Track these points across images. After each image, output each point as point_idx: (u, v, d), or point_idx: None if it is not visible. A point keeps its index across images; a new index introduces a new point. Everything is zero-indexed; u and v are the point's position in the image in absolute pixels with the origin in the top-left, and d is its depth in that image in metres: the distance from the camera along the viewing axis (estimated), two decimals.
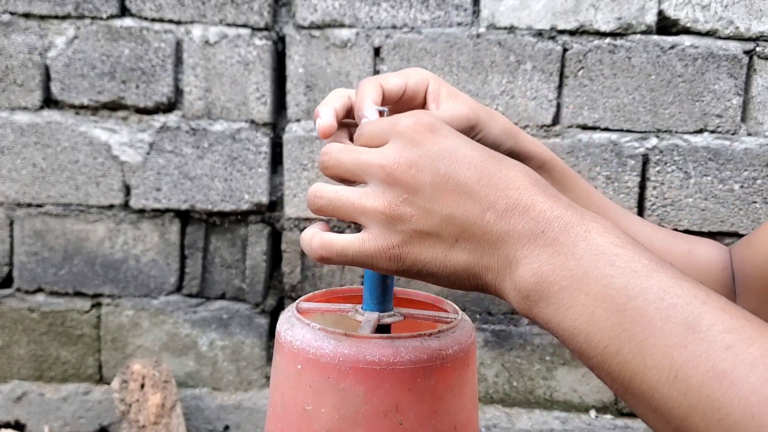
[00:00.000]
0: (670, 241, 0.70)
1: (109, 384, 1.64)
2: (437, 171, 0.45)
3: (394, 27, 1.53)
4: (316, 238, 0.49)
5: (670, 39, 1.51)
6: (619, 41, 1.51)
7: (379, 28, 1.53)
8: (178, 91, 1.58)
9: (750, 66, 1.52)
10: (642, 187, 1.56)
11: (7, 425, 1.63)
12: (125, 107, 1.58)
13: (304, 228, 1.60)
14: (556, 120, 1.55)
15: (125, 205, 1.60)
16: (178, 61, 1.56)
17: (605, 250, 0.41)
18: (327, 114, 0.56)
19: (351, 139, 0.59)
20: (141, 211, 1.60)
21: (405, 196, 0.45)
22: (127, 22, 1.55)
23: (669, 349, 0.37)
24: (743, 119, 1.54)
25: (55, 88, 1.57)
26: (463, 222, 0.45)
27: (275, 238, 1.65)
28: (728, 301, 0.39)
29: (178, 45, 1.56)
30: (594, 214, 0.45)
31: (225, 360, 1.65)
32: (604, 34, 1.52)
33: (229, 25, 1.54)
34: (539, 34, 1.52)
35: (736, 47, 1.50)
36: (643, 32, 1.51)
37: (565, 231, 0.43)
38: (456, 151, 0.45)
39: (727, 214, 1.54)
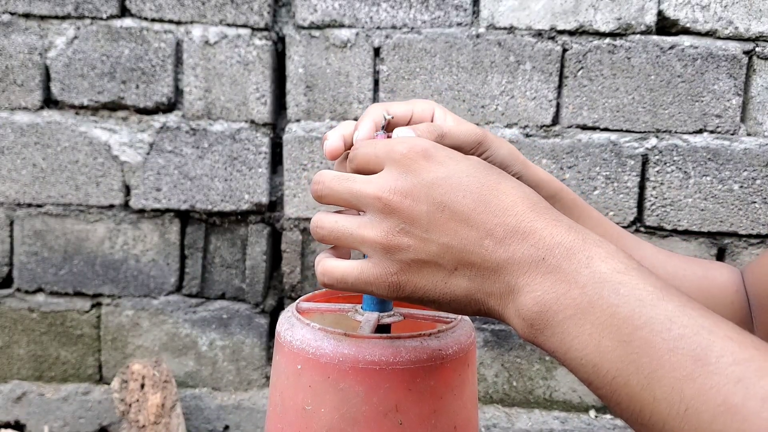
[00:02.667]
0: (684, 267, 0.70)
1: (109, 384, 1.64)
2: (433, 200, 0.45)
3: (393, 27, 1.54)
4: (320, 264, 0.49)
5: (670, 39, 1.51)
6: (618, 41, 1.51)
7: (378, 28, 1.54)
8: (178, 92, 1.58)
9: (749, 66, 1.52)
10: (641, 187, 1.56)
11: (7, 425, 1.63)
12: (125, 107, 1.58)
13: (304, 228, 1.60)
14: (555, 120, 1.55)
15: (125, 205, 1.60)
16: (178, 62, 1.56)
17: (609, 277, 0.41)
18: (334, 136, 0.56)
19: None
20: (141, 211, 1.60)
21: (402, 225, 0.45)
22: (127, 22, 1.55)
23: (678, 382, 0.36)
24: (743, 119, 1.54)
25: (55, 89, 1.57)
26: (462, 250, 0.44)
27: (275, 238, 1.65)
28: (736, 328, 0.39)
29: (178, 45, 1.56)
30: (597, 238, 0.44)
31: (225, 360, 1.65)
32: (603, 35, 1.52)
33: (229, 25, 1.54)
34: (539, 34, 1.52)
35: (735, 47, 1.50)
36: (642, 32, 1.51)
37: (567, 257, 0.42)
38: (451, 178, 0.45)
39: (726, 214, 1.54)
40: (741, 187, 1.53)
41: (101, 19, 1.55)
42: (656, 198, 1.55)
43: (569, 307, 0.41)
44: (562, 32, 1.52)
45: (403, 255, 0.45)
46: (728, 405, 0.35)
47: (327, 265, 0.49)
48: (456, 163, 0.46)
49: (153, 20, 1.55)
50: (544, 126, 1.55)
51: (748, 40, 1.51)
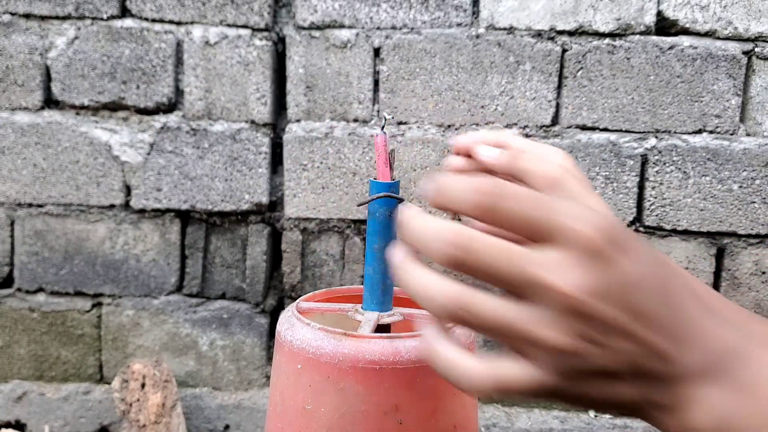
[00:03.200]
0: None
1: (109, 384, 1.64)
2: (624, 304, 0.37)
3: (393, 28, 1.54)
4: (486, 373, 0.39)
5: (669, 39, 1.51)
6: (618, 42, 1.51)
7: (378, 28, 1.54)
8: (179, 92, 1.58)
9: (749, 66, 1.52)
10: (641, 187, 1.56)
11: (7, 425, 1.64)
12: (126, 108, 1.58)
13: (305, 228, 1.60)
14: (555, 120, 1.55)
15: (126, 205, 1.61)
16: (179, 62, 1.57)
17: None
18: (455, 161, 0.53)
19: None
20: (141, 211, 1.61)
21: (586, 331, 0.37)
22: (128, 22, 1.55)
23: None
24: (742, 119, 1.54)
25: (56, 89, 1.58)
26: (640, 357, 0.38)
27: (275, 238, 1.65)
28: None
29: (179, 45, 1.56)
30: (759, 335, 0.40)
31: (225, 360, 1.65)
32: (603, 35, 1.52)
33: (229, 25, 1.55)
34: (538, 34, 1.53)
35: (734, 47, 1.51)
36: (642, 33, 1.51)
37: (744, 364, 0.38)
38: (641, 276, 0.38)
39: (725, 214, 1.54)
40: (740, 187, 1.53)
41: (102, 19, 1.55)
42: (655, 198, 1.55)
43: (750, 421, 0.37)
44: (561, 32, 1.52)
45: (580, 363, 0.38)
46: None
47: (500, 376, 0.39)
48: (642, 255, 0.39)
49: (153, 21, 1.55)
50: (543, 126, 1.55)
51: (748, 40, 1.51)
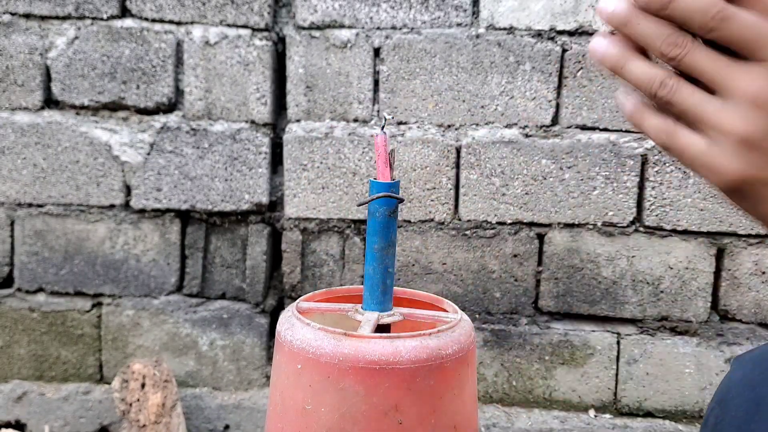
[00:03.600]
0: None
1: (109, 384, 1.64)
2: None
3: (393, 28, 1.54)
4: (666, 124, 0.46)
5: None
6: None
7: (378, 28, 1.54)
8: (179, 92, 1.58)
9: None
10: (641, 187, 1.56)
11: (7, 425, 1.64)
12: (126, 108, 1.58)
13: (305, 228, 1.60)
14: (555, 120, 1.55)
15: (126, 205, 1.61)
16: (179, 62, 1.57)
17: None
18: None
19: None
20: (141, 211, 1.61)
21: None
22: (128, 22, 1.55)
23: None
24: None
25: (56, 89, 1.58)
26: None
27: (275, 238, 1.65)
28: None
29: (179, 45, 1.56)
30: None
31: (225, 360, 1.65)
32: None
33: (229, 25, 1.55)
34: (538, 34, 1.53)
35: None
36: None
37: None
38: None
39: (725, 214, 1.54)
40: None
41: (102, 19, 1.55)
42: (655, 198, 1.55)
43: None
44: (561, 32, 1.52)
45: (757, 158, 0.43)
46: None
47: (678, 132, 0.45)
48: None
49: (153, 21, 1.55)
50: (543, 126, 1.55)
51: None
